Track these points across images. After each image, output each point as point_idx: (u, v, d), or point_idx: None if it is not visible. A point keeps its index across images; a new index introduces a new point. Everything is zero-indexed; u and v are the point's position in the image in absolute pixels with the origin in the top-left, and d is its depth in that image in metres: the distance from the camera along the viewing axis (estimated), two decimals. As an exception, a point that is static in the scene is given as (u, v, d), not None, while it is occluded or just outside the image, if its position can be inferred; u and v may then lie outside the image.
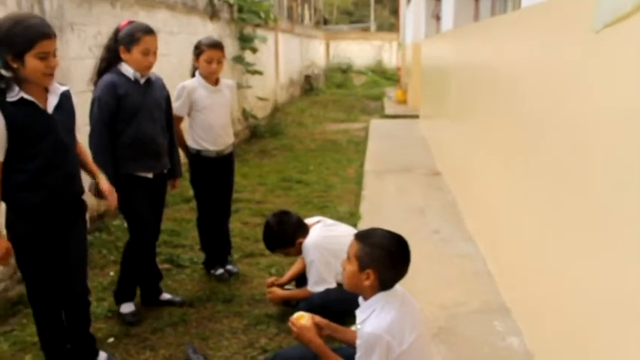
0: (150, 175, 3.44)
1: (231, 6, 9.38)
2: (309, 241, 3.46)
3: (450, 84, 6.77)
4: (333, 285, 3.39)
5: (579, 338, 2.45)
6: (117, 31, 3.32)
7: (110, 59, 3.31)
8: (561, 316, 2.66)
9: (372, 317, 2.28)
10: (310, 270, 3.44)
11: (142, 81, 3.37)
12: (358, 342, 2.30)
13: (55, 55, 2.51)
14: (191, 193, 5.83)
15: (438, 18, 10.84)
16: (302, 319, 2.63)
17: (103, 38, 5.14)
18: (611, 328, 2.12)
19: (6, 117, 2.43)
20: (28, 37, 2.40)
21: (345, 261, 2.40)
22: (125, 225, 4.95)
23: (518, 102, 3.50)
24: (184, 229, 5.14)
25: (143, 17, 6.14)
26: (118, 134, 3.29)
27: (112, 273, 4.21)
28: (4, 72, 2.43)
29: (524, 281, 3.32)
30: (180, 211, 5.68)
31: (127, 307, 3.57)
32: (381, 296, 2.31)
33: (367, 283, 2.30)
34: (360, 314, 2.35)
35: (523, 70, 3.45)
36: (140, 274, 3.64)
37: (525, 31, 3.45)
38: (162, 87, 3.58)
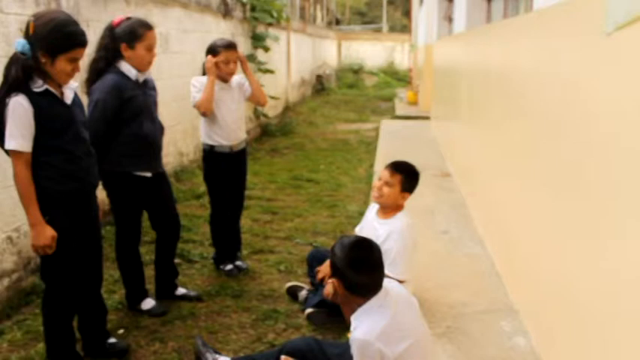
0: (149, 175, 3.41)
1: (244, 5, 9.43)
2: (407, 220, 3.36)
3: (461, 85, 6.78)
4: None
5: (586, 339, 2.46)
6: (111, 28, 3.24)
7: (109, 58, 3.22)
8: (569, 318, 2.67)
9: (364, 323, 2.26)
10: None
11: (141, 80, 3.33)
12: (351, 346, 2.28)
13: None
14: (202, 189, 5.91)
15: (450, 19, 10.83)
16: None
17: (118, 35, 5.23)
18: (620, 329, 2.13)
19: (33, 105, 2.49)
20: (68, 42, 2.53)
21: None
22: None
23: (531, 104, 3.51)
24: (195, 225, 5.18)
25: (157, 15, 6.20)
26: (116, 134, 3.24)
27: (123, 266, 4.26)
28: (31, 63, 2.50)
29: (533, 282, 3.33)
30: (190, 207, 5.73)
31: (147, 304, 3.56)
32: (374, 301, 2.29)
33: (340, 291, 2.30)
34: (354, 320, 2.33)
35: (536, 71, 3.46)
36: (139, 272, 3.59)
37: (537, 33, 3.46)
38: (155, 87, 3.54)
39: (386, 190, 3.30)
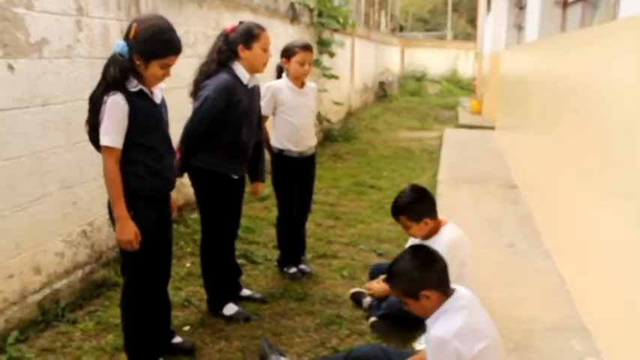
0: (235, 177, 3.48)
1: (311, 10, 9.49)
2: (448, 237, 3.21)
3: (531, 96, 6.60)
4: None
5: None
6: (226, 34, 3.36)
7: (222, 60, 3.33)
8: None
9: (440, 321, 2.28)
10: None
11: (250, 85, 3.41)
12: (427, 346, 2.30)
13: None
14: (266, 191, 5.96)
15: (519, 28, 10.59)
16: None
17: (191, 37, 5.36)
18: None
19: (129, 104, 2.59)
20: (164, 48, 2.63)
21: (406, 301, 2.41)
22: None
23: (609, 117, 3.38)
24: (259, 227, 5.23)
25: (228, 18, 6.30)
26: (215, 133, 3.30)
27: (188, 264, 4.35)
28: (128, 64, 2.59)
29: (607, 301, 3.19)
30: (254, 209, 5.79)
31: (229, 309, 3.55)
32: (449, 303, 2.31)
33: (432, 301, 2.31)
34: (429, 322, 2.35)
35: (617, 84, 3.32)
36: (222, 272, 3.62)
37: (622, 44, 3.33)
38: (260, 94, 3.64)
39: (409, 231, 3.25)
